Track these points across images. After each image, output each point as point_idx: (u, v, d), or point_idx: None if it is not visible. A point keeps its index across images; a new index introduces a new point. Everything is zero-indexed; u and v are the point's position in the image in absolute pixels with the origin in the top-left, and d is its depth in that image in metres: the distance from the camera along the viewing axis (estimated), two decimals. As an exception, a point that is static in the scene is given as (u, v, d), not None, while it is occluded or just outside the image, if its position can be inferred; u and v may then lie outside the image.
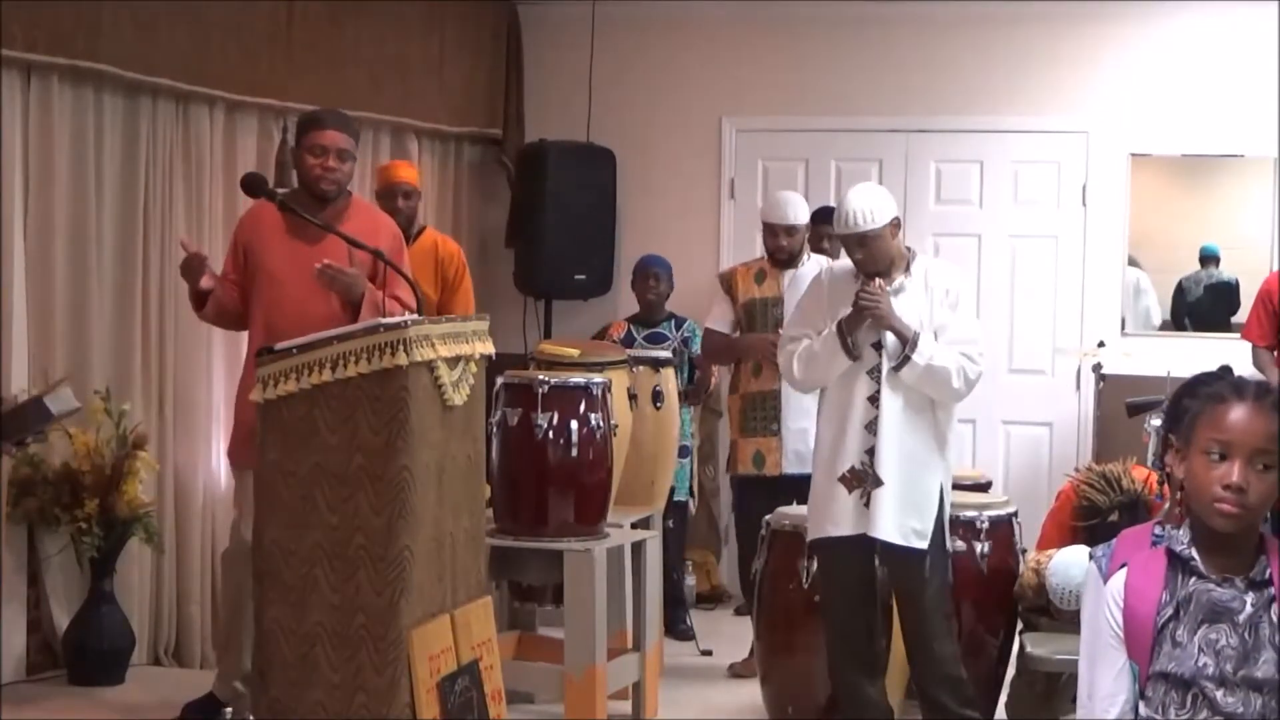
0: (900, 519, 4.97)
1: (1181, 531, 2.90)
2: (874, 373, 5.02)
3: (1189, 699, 2.80)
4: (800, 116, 8.30)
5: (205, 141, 6.67)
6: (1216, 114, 7.78)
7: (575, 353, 5.99)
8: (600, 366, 5.90)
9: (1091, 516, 5.61)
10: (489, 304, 7.95)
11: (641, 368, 6.31)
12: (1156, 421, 6.35)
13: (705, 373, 7.32)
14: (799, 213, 6.72)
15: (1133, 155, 7.97)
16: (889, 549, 5.00)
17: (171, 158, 6.53)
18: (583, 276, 8.25)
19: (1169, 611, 2.84)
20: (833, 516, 5.05)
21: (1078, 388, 8.00)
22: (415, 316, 4.49)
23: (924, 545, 4.99)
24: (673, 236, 8.25)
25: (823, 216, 7.27)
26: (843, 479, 5.02)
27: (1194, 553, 2.86)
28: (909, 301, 5.05)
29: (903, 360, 4.96)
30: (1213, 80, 7.78)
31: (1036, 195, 8.08)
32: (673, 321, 7.38)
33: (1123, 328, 7.99)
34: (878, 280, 5.03)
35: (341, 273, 5.15)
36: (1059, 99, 8.01)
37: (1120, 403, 6.85)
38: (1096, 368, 7.61)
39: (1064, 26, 7.95)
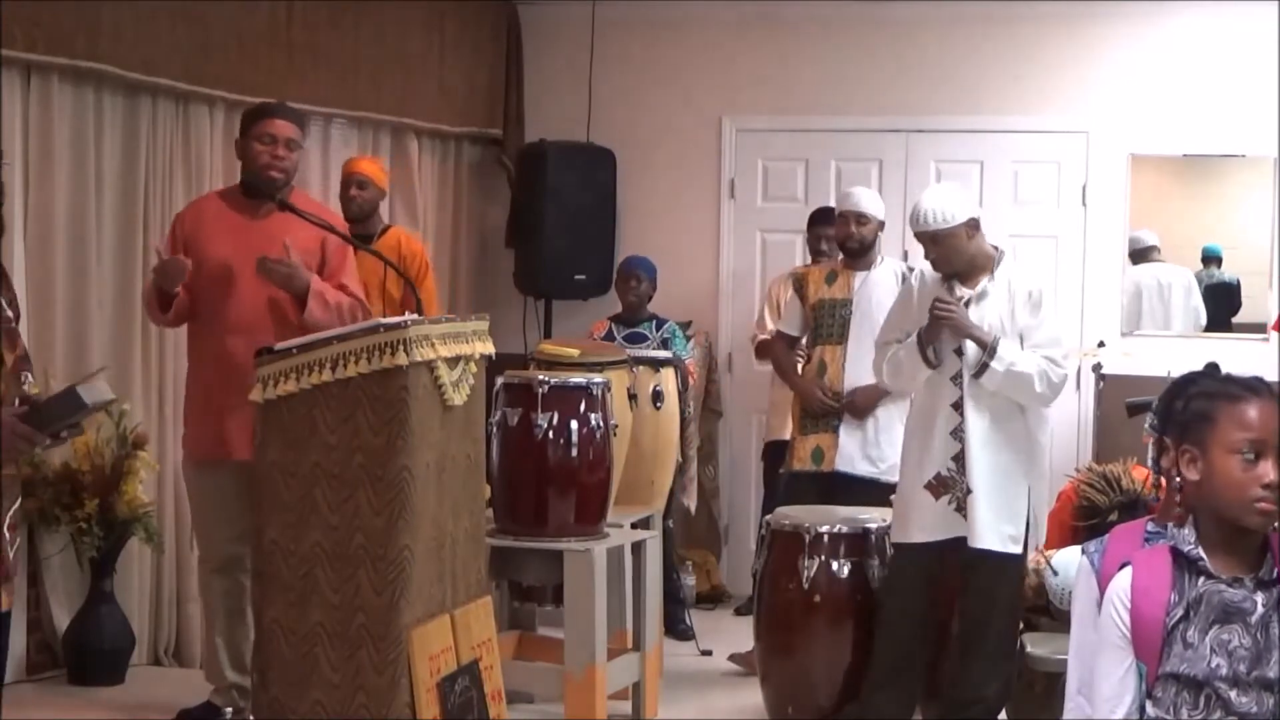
0: (996, 525, 5.01)
1: (1187, 531, 2.88)
2: (957, 379, 5.06)
3: (1202, 700, 2.79)
4: (800, 116, 8.30)
5: (205, 141, 6.67)
6: (1216, 114, 7.78)
7: (575, 353, 5.99)
8: (600, 366, 5.90)
9: (1091, 516, 5.61)
10: (489, 304, 7.96)
11: (641, 368, 6.31)
12: (1157, 421, 6.34)
13: (683, 373, 7.29)
14: (871, 204, 6.61)
15: (1133, 155, 7.96)
16: (978, 554, 5.02)
17: (171, 158, 6.53)
18: (583, 276, 8.24)
19: (1179, 612, 2.82)
20: (920, 523, 5.08)
21: (1078, 388, 7.98)
22: (415, 316, 4.49)
23: (1018, 550, 5.04)
24: (673, 236, 8.25)
25: (821, 217, 7.27)
26: (928, 485, 5.05)
27: (1202, 553, 2.84)
28: (991, 305, 5.08)
29: (981, 367, 4.98)
30: (1213, 80, 7.77)
31: (1036, 195, 8.08)
32: (653, 322, 7.33)
33: (1124, 328, 7.98)
34: (955, 290, 5.08)
35: (280, 264, 5.17)
36: (1059, 99, 8.00)
37: (1120, 403, 6.83)
38: (1096, 368, 7.61)
39: (1064, 26, 7.95)
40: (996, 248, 5.27)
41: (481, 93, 8.37)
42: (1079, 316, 8.00)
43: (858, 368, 6.38)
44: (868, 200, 6.63)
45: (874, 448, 6.36)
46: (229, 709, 5.40)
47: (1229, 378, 3.00)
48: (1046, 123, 8.02)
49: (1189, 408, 2.93)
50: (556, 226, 8.11)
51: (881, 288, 6.42)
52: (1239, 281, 8.05)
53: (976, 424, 5.04)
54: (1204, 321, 8.13)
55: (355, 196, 6.44)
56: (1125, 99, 7.91)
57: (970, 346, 5.03)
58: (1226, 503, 2.81)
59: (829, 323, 6.55)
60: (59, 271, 6.08)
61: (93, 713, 5.68)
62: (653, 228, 8.35)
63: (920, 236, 5.13)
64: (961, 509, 5.03)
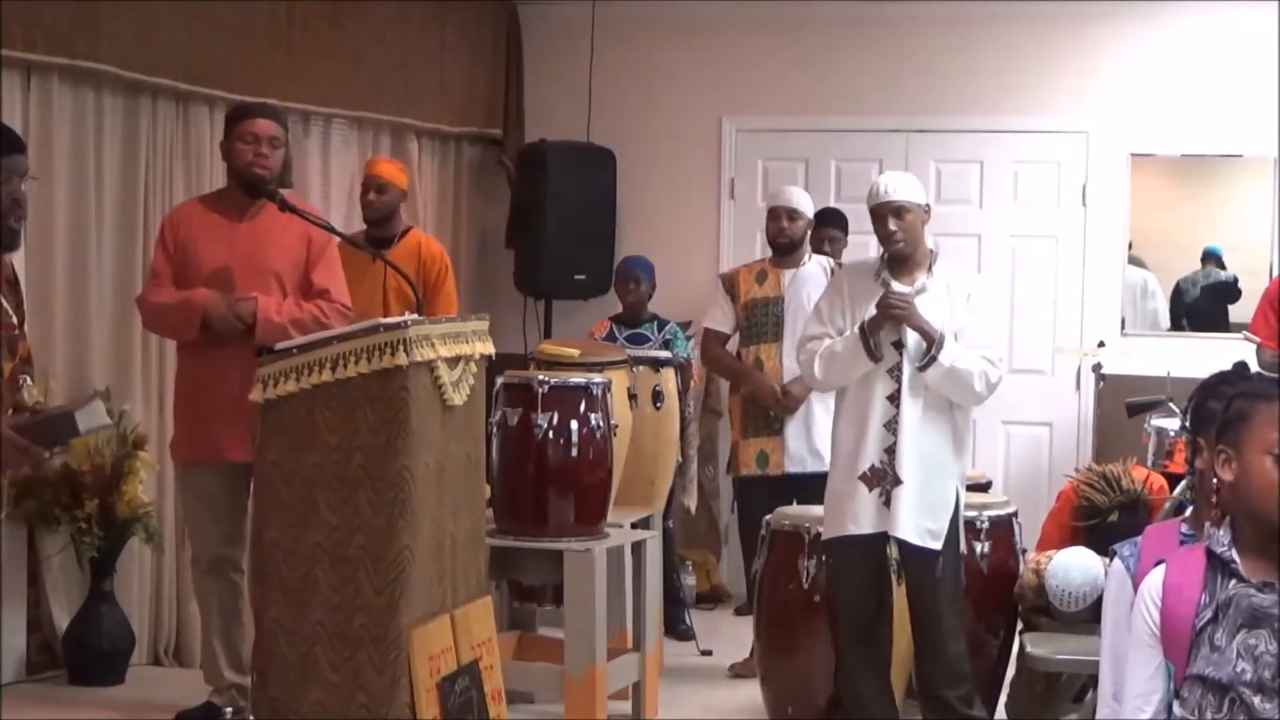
0: (917, 519, 4.98)
1: (1222, 532, 2.87)
2: (894, 372, 5.02)
3: (1226, 703, 2.77)
4: (800, 116, 8.30)
5: (205, 141, 6.67)
6: (1216, 114, 7.78)
7: (575, 353, 5.99)
8: (600, 366, 5.90)
9: (1091, 516, 5.61)
10: (489, 304, 7.95)
11: (641, 368, 6.31)
12: (1157, 421, 6.35)
13: (689, 372, 7.32)
14: (802, 201, 6.74)
15: (1133, 155, 7.97)
16: (906, 548, 5.01)
17: (171, 158, 6.53)
18: (583, 276, 8.24)
19: (1208, 614, 2.80)
20: (853, 515, 5.04)
21: (1078, 388, 7.99)
22: (415, 317, 4.49)
23: (938, 546, 5.00)
24: (673, 236, 8.25)
25: (825, 218, 7.29)
26: (863, 477, 5.02)
27: (1235, 555, 2.83)
28: (931, 302, 5.05)
29: (928, 360, 4.96)
30: (1213, 80, 7.77)
31: (1036, 195, 8.08)
32: (655, 323, 7.34)
33: (1123, 328, 7.98)
34: (891, 285, 5.06)
35: (223, 321, 5.22)
36: (1059, 99, 8.01)
37: (1120, 403, 6.85)
38: (1096, 368, 7.62)
39: (1064, 26, 7.95)
40: (930, 249, 5.25)
41: (481, 93, 8.38)
42: (1079, 316, 8.01)
43: (795, 364, 6.43)
44: (799, 198, 6.76)
45: (821, 441, 6.41)
46: (229, 709, 5.40)
47: (1268, 379, 2.99)
48: (1046, 123, 8.02)
49: (1229, 408, 2.90)
50: (556, 226, 8.11)
51: (812, 283, 6.51)
52: (1237, 280, 8.05)
53: (911, 416, 5.01)
54: (1165, 324, 8.12)
55: (374, 200, 6.41)
56: (1125, 99, 7.91)
57: (912, 340, 5.00)
58: (1259, 503, 2.80)
59: (762, 321, 6.63)
60: (59, 271, 6.08)
61: (93, 713, 5.67)
62: (653, 228, 8.35)
63: (880, 210, 5.06)
64: (889, 502, 5.02)
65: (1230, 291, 8.05)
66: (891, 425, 5.01)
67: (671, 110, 8.45)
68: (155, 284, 5.42)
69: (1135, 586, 3.00)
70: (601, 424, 5.63)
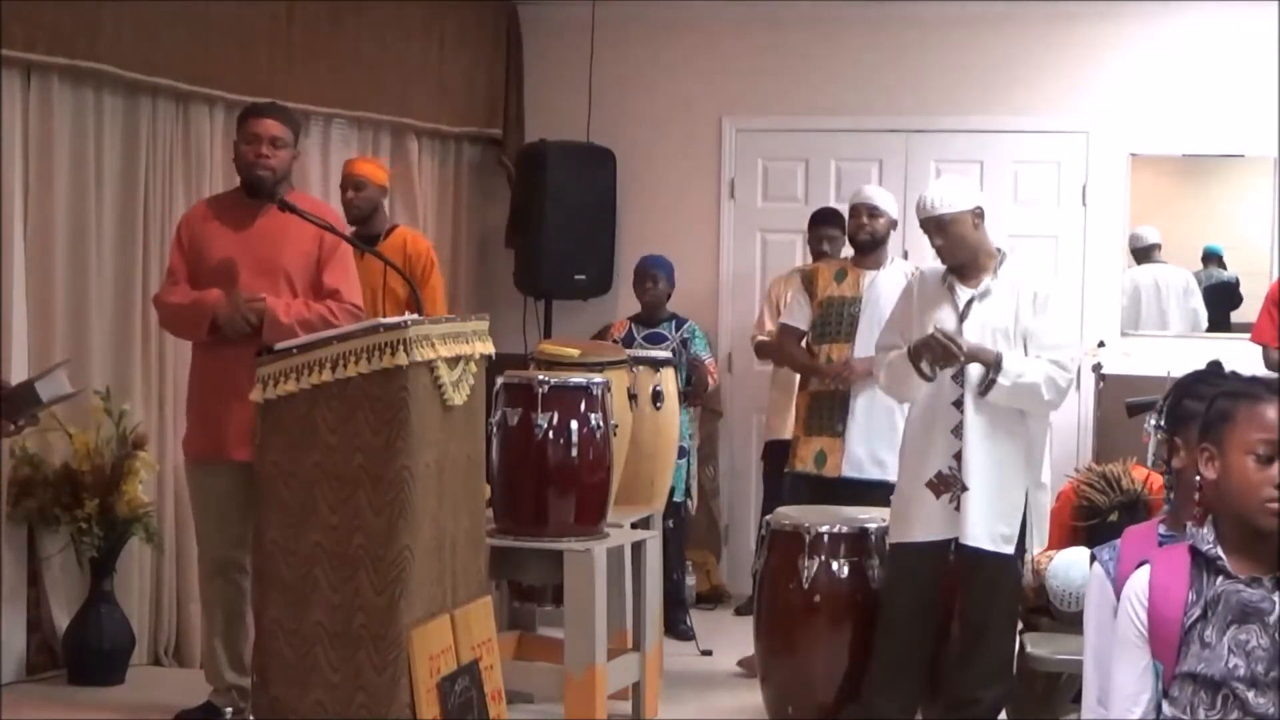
0: (991, 524, 5.01)
1: (1205, 530, 2.88)
2: (958, 378, 5.04)
3: (1219, 700, 2.78)
4: (800, 116, 8.30)
5: (205, 141, 6.67)
6: (1216, 114, 7.78)
7: (575, 353, 5.99)
8: (600, 366, 5.89)
9: (1091, 516, 5.61)
10: (489, 304, 7.96)
11: (641, 368, 6.30)
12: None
13: (702, 373, 7.31)
14: (884, 199, 6.55)
15: (1133, 155, 7.97)
16: (974, 553, 5.01)
17: (171, 158, 6.53)
18: (583, 276, 8.24)
19: (1196, 612, 2.81)
20: (922, 521, 5.07)
21: (1078, 388, 7.96)
22: (415, 317, 4.49)
23: (1011, 550, 5.03)
24: (673, 236, 8.24)
25: (823, 217, 7.27)
26: (930, 484, 5.04)
27: (1220, 552, 2.83)
28: (994, 305, 5.05)
29: (988, 385, 4.95)
30: (1213, 80, 7.78)
31: (1036, 195, 8.08)
32: (673, 322, 7.36)
33: (1123, 328, 7.98)
34: (956, 290, 5.09)
35: (231, 322, 5.22)
36: (1059, 99, 8.01)
37: (1120, 403, 6.83)
38: (1096, 368, 7.61)
39: (1064, 26, 7.95)
40: (999, 249, 5.27)
41: (481, 93, 8.38)
42: (1079, 316, 8.00)
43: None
44: (880, 196, 6.59)
45: (883, 448, 6.28)
46: (229, 709, 5.40)
47: (1254, 378, 3.00)
48: (1046, 123, 8.02)
49: (1212, 406, 2.91)
50: (556, 226, 8.11)
51: (891, 287, 6.38)
52: (1238, 280, 8.05)
53: (977, 421, 5.03)
54: (1204, 323, 8.12)
55: (353, 199, 6.43)
56: (1125, 99, 7.91)
57: (974, 364, 5.01)
58: (1240, 502, 2.81)
59: (837, 321, 6.49)
60: (59, 271, 6.08)
61: (93, 713, 5.67)
62: (653, 228, 8.35)
63: (926, 224, 5.11)
64: (960, 508, 5.03)
65: (1231, 292, 8.05)
66: (958, 431, 5.03)
67: (671, 110, 8.45)
68: (170, 283, 5.45)
69: (1116, 589, 3.01)
70: (601, 424, 5.63)
